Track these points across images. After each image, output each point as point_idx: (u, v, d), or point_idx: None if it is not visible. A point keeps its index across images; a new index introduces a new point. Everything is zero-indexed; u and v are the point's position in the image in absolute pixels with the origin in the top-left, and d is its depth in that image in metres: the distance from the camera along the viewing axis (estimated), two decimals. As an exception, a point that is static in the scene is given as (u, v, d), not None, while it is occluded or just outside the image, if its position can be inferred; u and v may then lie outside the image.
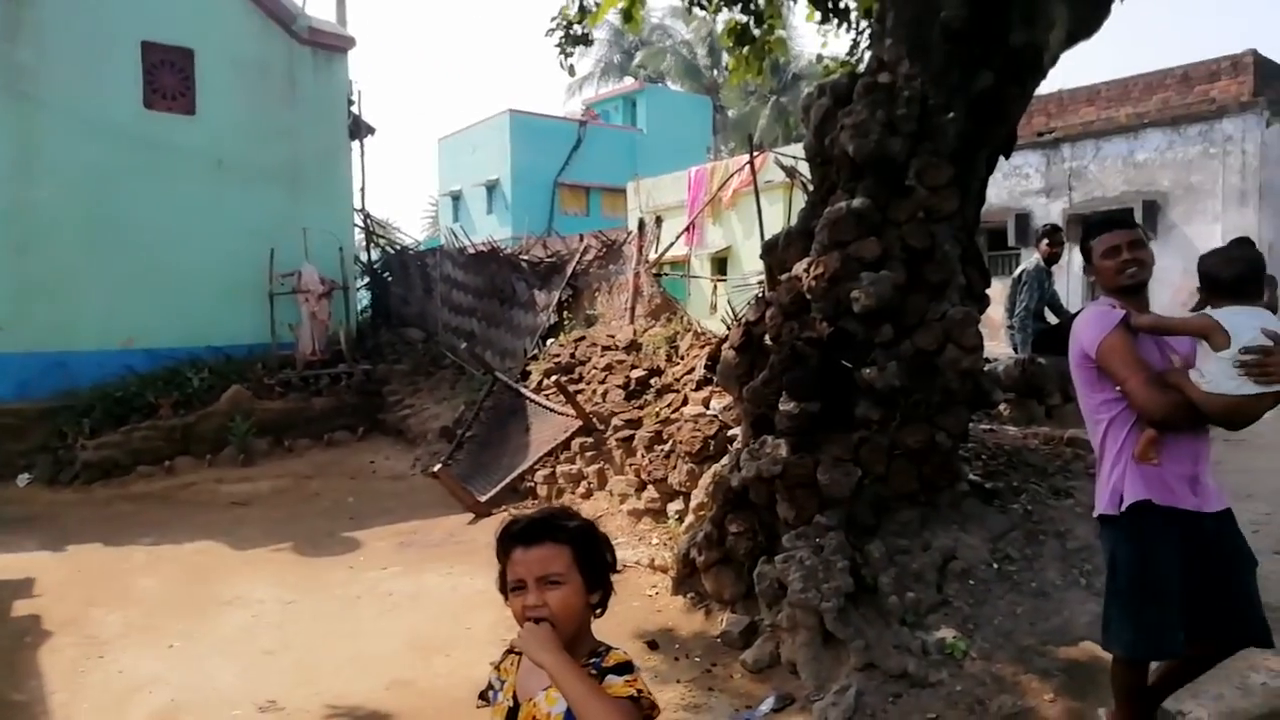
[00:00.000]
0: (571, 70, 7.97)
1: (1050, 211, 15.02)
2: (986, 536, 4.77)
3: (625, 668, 1.76)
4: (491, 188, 27.73)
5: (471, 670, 4.83)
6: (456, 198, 29.36)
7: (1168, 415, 2.75)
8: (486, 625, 5.48)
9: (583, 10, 7.66)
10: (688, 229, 13.40)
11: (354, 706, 4.47)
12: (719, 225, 17.54)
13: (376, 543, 7.67)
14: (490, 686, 1.94)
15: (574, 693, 1.64)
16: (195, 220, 12.38)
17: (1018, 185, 15.54)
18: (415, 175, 78.12)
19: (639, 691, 1.69)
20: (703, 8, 7.77)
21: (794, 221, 5.75)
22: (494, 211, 27.57)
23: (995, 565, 4.58)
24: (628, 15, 7.77)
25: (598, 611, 1.85)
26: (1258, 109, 13.50)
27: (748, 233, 16.37)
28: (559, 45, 7.90)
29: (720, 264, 17.18)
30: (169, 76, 12.40)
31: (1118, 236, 2.91)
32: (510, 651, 1.92)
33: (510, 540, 1.81)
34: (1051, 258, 7.64)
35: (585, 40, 7.82)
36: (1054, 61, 5.12)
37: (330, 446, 11.72)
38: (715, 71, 35.11)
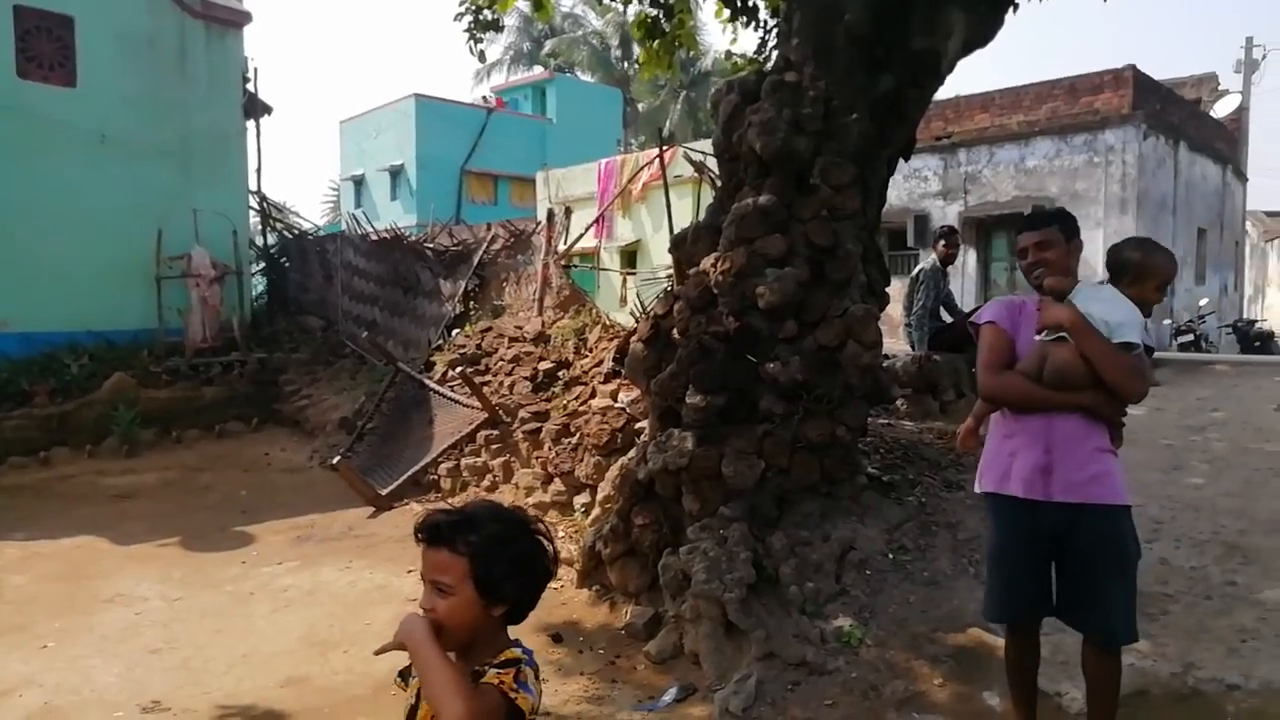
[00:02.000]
0: (482, 56, 7.84)
1: (947, 213, 15.55)
2: (883, 528, 4.92)
3: (507, 664, 1.73)
4: (396, 173, 27.12)
5: (371, 666, 4.71)
6: (359, 182, 28.61)
7: (993, 394, 3.11)
8: (386, 620, 5.36)
9: (492, -6, 7.54)
10: (597, 221, 13.38)
11: (246, 706, 4.30)
12: (629, 218, 17.60)
13: (271, 537, 7.41)
14: (409, 669, 1.89)
15: (425, 678, 1.63)
16: (76, 198, 11.67)
17: (917, 187, 16.05)
18: (316, 158, 75.83)
19: (501, 683, 1.66)
20: (613, -1, 7.76)
21: (703, 216, 5.80)
22: (398, 198, 26.98)
23: (891, 555, 4.73)
24: (538, 3, 7.70)
25: (500, 617, 1.77)
26: (1136, 122, 14.27)
27: (657, 226, 16.47)
28: (468, 30, 7.75)
29: (630, 257, 17.24)
30: (45, 44, 11.65)
31: (1025, 239, 3.09)
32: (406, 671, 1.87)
33: (417, 533, 1.78)
34: (948, 258, 7.92)
35: (495, 26, 7.70)
36: (951, 68, 5.30)
37: (222, 438, 11.26)
38: (626, 64, 35.09)
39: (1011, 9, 5.28)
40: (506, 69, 35.39)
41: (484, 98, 31.34)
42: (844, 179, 4.85)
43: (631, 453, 5.84)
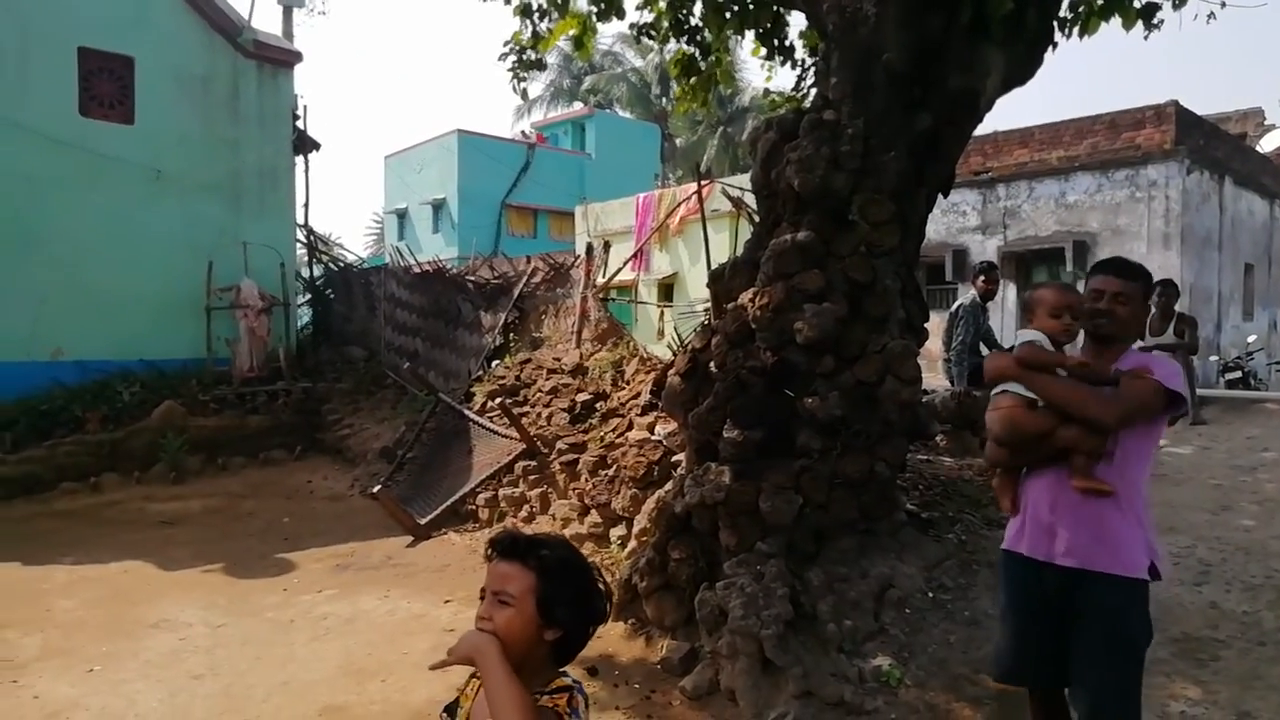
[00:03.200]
0: (524, 94, 8.01)
1: (986, 248, 15.46)
2: (922, 565, 4.87)
3: (559, 690, 1.78)
4: (438, 207, 27.64)
5: (408, 696, 4.77)
6: (402, 216, 29.18)
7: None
8: (424, 650, 5.40)
9: (535, 36, 7.72)
10: (636, 255, 13.49)
11: (285, 734, 4.36)
12: (666, 252, 17.70)
13: (312, 565, 7.50)
14: (456, 703, 1.94)
15: (494, 695, 1.67)
16: (131, 231, 12.06)
17: (955, 222, 15.98)
18: (360, 192, 77.41)
19: (555, 705, 1.72)
20: (650, 37, 7.87)
21: (740, 251, 5.85)
22: (440, 231, 27.46)
23: (930, 594, 4.68)
24: (579, 42, 7.84)
25: (554, 650, 1.82)
26: (1179, 157, 14.12)
27: (694, 260, 16.56)
28: (512, 69, 7.93)
29: (667, 290, 17.32)
30: (106, 84, 12.10)
31: (1108, 283, 2.85)
32: (473, 675, 1.91)
33: (490, 548, 1.84)
34: (987, 294, 7.88)
35: (538, 65, 7.86)
36: (990, 106, 5.32)
37: (266, 465, 11.45)
38: (664, 100, 35.49)
39: (1050, 48, 5.29)
40: (546, 105, 36.03)
41: (524, 133, 31.91)
42: (882, 215, 4.88)
43: (668, 486, 5.85)
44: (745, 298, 5.00)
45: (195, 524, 9.29)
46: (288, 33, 15.02)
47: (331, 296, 15.41)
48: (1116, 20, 5.50)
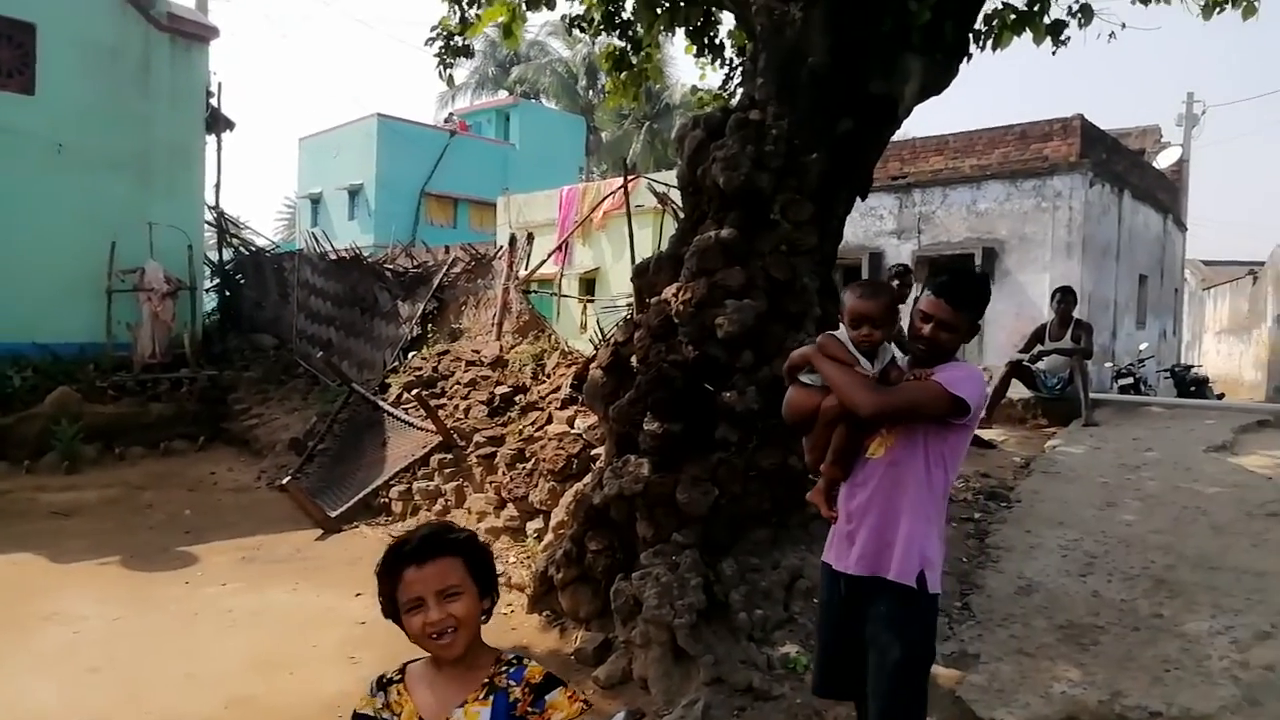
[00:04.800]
0: (451, 80, 7.93)
1: (901, 252, 15.87)
2: (832, 557, 5.01)
3: (555, 681, 1.88)
4: (355, 192, 27.01)
5: (318, 687, 4.69)
6: (316, 201, 28.42)
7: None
8: (334, 642, 5.33)
9: (464, 21, 7.63)
10: (559, 248, 13.46)
11: (189, 726, 4.25)
12: (589, 246, 17.68)
13: (216, 558, 7.29)
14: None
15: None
16: (27, 207, 11.46)
17: (873, 226, 16.36)
18: (272, 175, 75.09)
19: (586, 703, 1.87)
20: (582, 30, 7.87)
21: (664, 246, 5.91)
22: (356, 217, 26.83)
23: (836, 585, 4.81)
24: (507, 30, 7.78)
25: (484, 619, 1.92)
26: (1083, 169, 14.73)
27: (617, 255, 16.59)
28: (438, 55, 7.84)
29: (589, 285, 17.30)
30: (5, 51, 11.47)
31: (935, 307, 2.76)
32: (391, 682, 1.91)
33: (402, 561, 1.85)
34: (900, 297, 8.11)
35: (466, 52, 7.78)
36: (908, 113, 5.49)
37: (167, 455, 11.05)
38: (591, 92, 35.43)
39: (966, 59, 5.49)
40: (471, 93, 35.54)
41: (447, 119, 31.41)
42: (803, 215, 4.99)
43: (587, 479, 5.88)
44: (669, 292, 5.06)
45: (91, 515, 8.91)
46: (202, 6, 14.49)
47: (241, 282, 14.95)
48: (1028, 35, 5.77)
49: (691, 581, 4.51)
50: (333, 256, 13.09)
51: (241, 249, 15.14)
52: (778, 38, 5.26)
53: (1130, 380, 13.57)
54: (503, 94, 34.36)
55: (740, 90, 6.60)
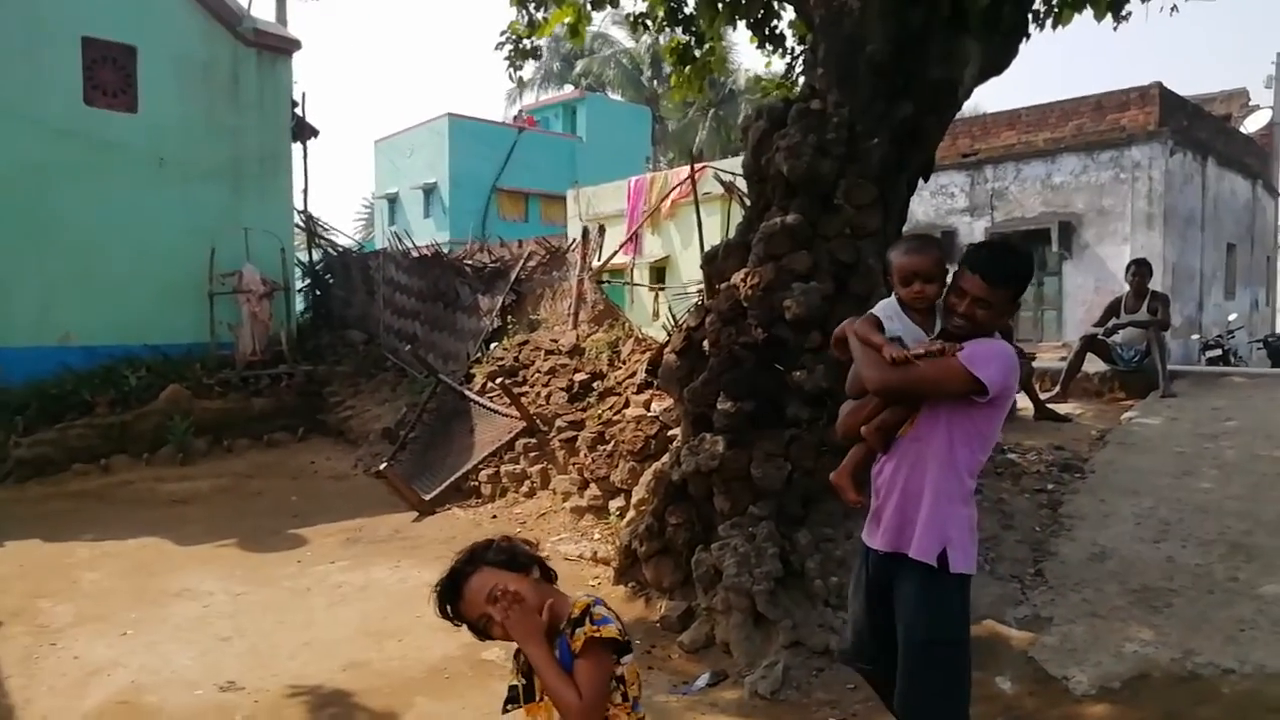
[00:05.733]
0: (521, 81, 8.34)
1: (974, 230, 15.76)
2: (902, 527, 5.20)
3: (582, 617, 2.12)
4: (429, 191, 27.78)
5: (424, 653, 5.09)
6: (393, 200, 29.31)
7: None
8: (436, 614, 5.72)
9: (532, 24, 7.97)
10: (630, 238, 13.77)
11: (314, 686, 4.67)
12: (658, 235, 17.99)
13: (323, 539, 7.81)
14: (510, 697, 2.27)
15: (543, 678, 2.11)
16: (135, 218, 12.27)
17: (944, 204, 16.27)
18: (349, 177, 77.20)
19: (589, 635, 2.07)
20: (645, 27, 8.13)
21: (731, 233, 6.15)
22: (431, 215, 27.62)
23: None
24: (574, 30, 8.08)
25: (542, 580, 2.26)
26: (1163, 138, 14.42)
27: (686, 243, 16.85)
28: (508, 58, 8.19)
29: (659, 273, 17.61)
30: (110, 73, 12.29)
31: (977, 287, 2.67)
32: (519, 652, 2.26)
33: (445, 604, 2.26)
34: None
35: (534, 54, 8.13)
36: (968, 95, 5.63)
37: (270, 447, 11.73)
38: (655, 82, 35.60)
39: (1025, 39, 5.58)
40: (537, 88, 36.09)
41: (515, 116, 32.00)
42: (866, 199, 5.18)
43: (665, 458, 6.17)
44: (737, 278, 5.30)
45: (205, 503, 9.58)
46: (281, 18, 15.20)
47: (330, 281, 15.66)
48: (1090, 11, 5.81)
49: (768, 551, 4.77)
50: (415, 254, 13.63)
51: (329, 250, 15.84)
52: (836, 28, 5.44)
53: (1219, 352, 13.27)
54: (568, 88, 34.80)
55: (802, 79, 6.79)
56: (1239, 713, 3.43)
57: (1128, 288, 8.23)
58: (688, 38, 7.89)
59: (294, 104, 14.04)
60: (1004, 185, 16.03)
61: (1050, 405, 7.28)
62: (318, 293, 15.66)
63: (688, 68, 7.95)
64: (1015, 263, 2.72)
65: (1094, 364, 8.08)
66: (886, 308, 2.86)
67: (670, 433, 6.64)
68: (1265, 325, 19.46)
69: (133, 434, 11.05)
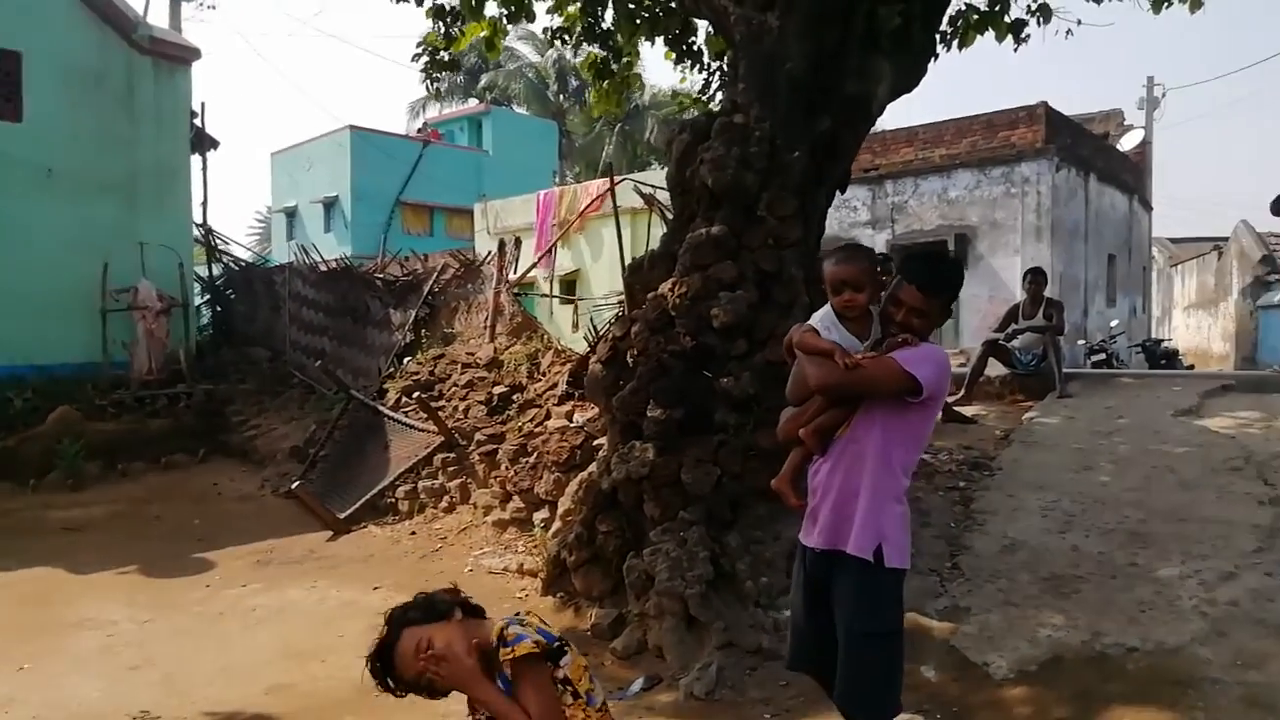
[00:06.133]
0: (438, 93, 8.24)
1: (876, 242, 16.28)
2: (827, 528, 5.35)
3: (501, 640, 2.24)
4: (330, 205, 27.03)
5: (350, 673, 4.91)
6: (291, 214, 28.42)
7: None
8: (359, 632, 5.57)
9: (448, 37, 7.93)
10: (548, 251, 13.77)
11: (234, 712, 4.50)
12: (568, 249, 17.99)
13: (232, 562, 7.52)
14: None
15: (494, 712, 2.21)
16: (20, 232, 11.61)
17: (847, 217, 16.77)
18: (243, 191, 74.70)
19: (506, 659, 2.20)
20: (564, 41, 8.18)
21: (651, 246, 6.23)
22: (332, 229, 26.88)
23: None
24: (489, 43, 8.09)
25: (465, 619, 2.38)
26: (1049, 155, 15.24)
27: (596, 255, 16.94)
28: (425, 70, 8.13)
29: (569, 286, 17.61)
30: (-8, 80, 11.65)
31: (908, 294, 2.83)
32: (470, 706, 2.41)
33: (382, 679, 2.37)
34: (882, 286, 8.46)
35: (452, 65, 8.09)
36: (881, 110, 5.87)
37: (169, 469, 11.22)
38: (562, 97, 35.68)
39: (933, 58, 5.86)
40: (441, 102, 35.61)
41: (419, 130, 31.52)
42: (787, 211, 5.33)
43: (592, 467, 6.18)
44: (665, 287, 5.38)
45: (100, 530, 9.09)
46: (175, 26, 14.67)
47: (232, 296, 15.13)
48: (991, 34, 6.14)
49: (700, 554, 4.84)
50: (323, 268, 13.30)
51: (231, 264, 15.31)
52: (756, 45, 5.60)
53: (1102, 356, 14.06)
54: (473, 102, 34.49)
55: (721, 95, 6.96)
56: (1144, 687, 3.65)
57: (1024, 295, 8.66)
58: (605, 53, 7.98)
59: (193, 114, 13.56)
60: (903, 199, 16.65)
61: (956, 408, 7.59)
62: (218, 308, 15.11)
63: (606, 82, 8.04)
64: (947, 272, 2.92)
65: (994, 368, 8.46)
66: (824, 318, 2.96)
67: (596, 442, 6.66)
68: (1142, 330, 20.69)
69: (18, 459, 10.42)
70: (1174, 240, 29.97)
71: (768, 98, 5.44)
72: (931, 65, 5.93)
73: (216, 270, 15.28)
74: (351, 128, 26.76)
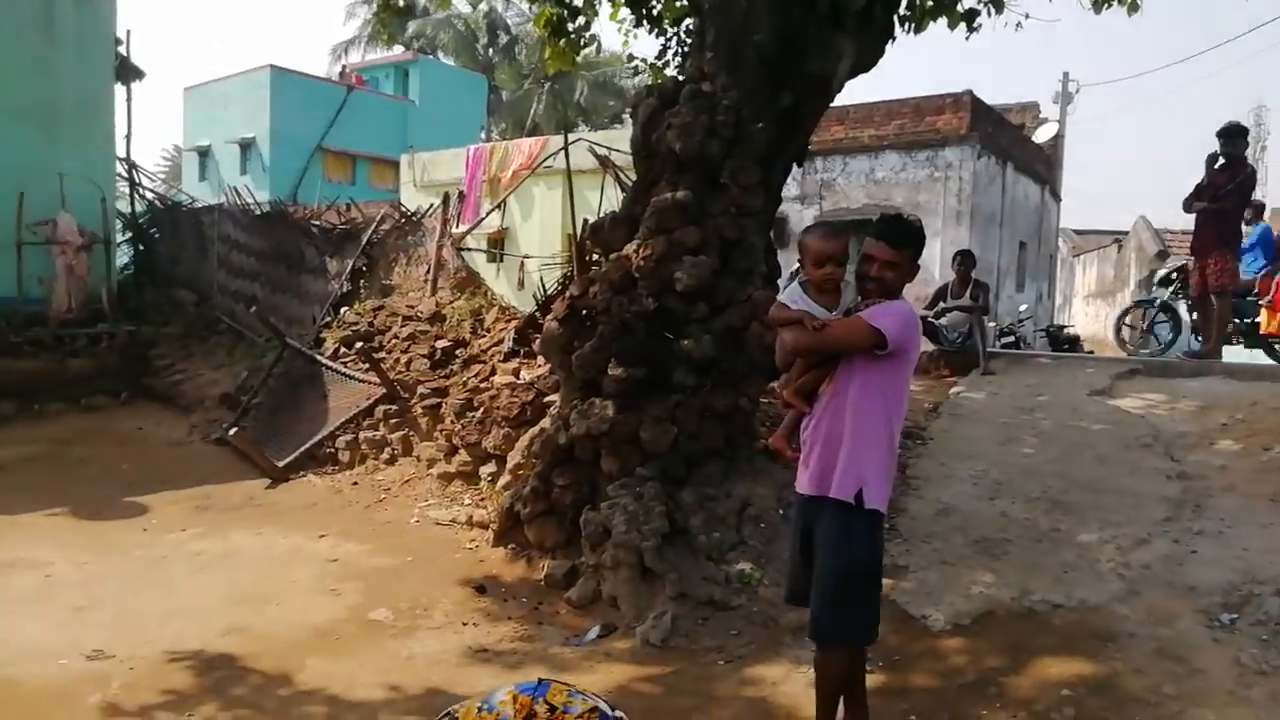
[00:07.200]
0: (391, 39, 8.10)
1: (805, 217, 16.60)
2: (774, 487, 5.59)
3: None
4: (246, 146, 25.95)
5: (307, 616, 5.03)
6: (204, 154, 27.23)
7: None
8: (311, 577, 5.64)
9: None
10: (497, 206, 13.66)
11: (194, 651, 4.51)
12: (499, 208, 17.80)
13: (168, 507, 7.42)
14: None
15: None
16: (-74, 157, 10.96)
17: (779, 191, 17.03)
18: (153, 126, 71.06)
19: None
20: (519, -4, 8.11)
21: (606, 208, 6.31)
22: (249, 172, 25.76)
23: (780, 511, 5.39)
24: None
25: None
26: (972, 142, 15.77)
27: (525, 215, 16.85)
28: (377, 13, 7.96)
29: (497, 245, 17.47)
30: (-107, -8, 10.88)
31: (879, 250, 3.06)
32: None
33: None
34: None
35: (409, 11, 7.95)
36: (840, 88, 6.07)
37: (89, 412, 10.87)
38: (491, 51, 34.98)
39: (891, 40, 6.07)
40: (364, 47, 34.29)
41: (340, 73, 30.44)
42: (751, 180, 5.51)
43: (544, 422, 6.31)
44: (630, 249, 5.51)
45: (20, 471, 8.81)
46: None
47: (156, 236, 14.55)
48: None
49: (655, 509, 5.05)
50: (256, 211, 12.89)
51: (156, 202, 14.70)
52: (726, 15, 5.73)
53: (1012, 338, 14.73)
54: (399, 49, 33.47)
55: (683, 62, 7.06)
56: (1068, 640, 4.01)
57: (953, 276, 9.06)
58: (562, 9, 7.93)
59: (118, 41, 12.91)
60: (832, 177, 16.99)
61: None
62: (141, 247, 14.50)
63: (562, 40, 8.01)
64: (910, 228, 3.14)
65: (923, 344, 8.85)
66: (791, 293, 3.20)
67: (547, 399, 6.78)
68: (1047, 316, 21.66)
69: (-75, 396, 9.97)
70: (1078, 231, 31.37)
71: (735, 69, 5.58)
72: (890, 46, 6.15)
73: (140, 208, 14.63)
74: (272, 67, 25.74)
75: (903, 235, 3.07)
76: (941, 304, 8.92)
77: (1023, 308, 17.67)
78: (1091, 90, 41.47)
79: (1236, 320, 8.87)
